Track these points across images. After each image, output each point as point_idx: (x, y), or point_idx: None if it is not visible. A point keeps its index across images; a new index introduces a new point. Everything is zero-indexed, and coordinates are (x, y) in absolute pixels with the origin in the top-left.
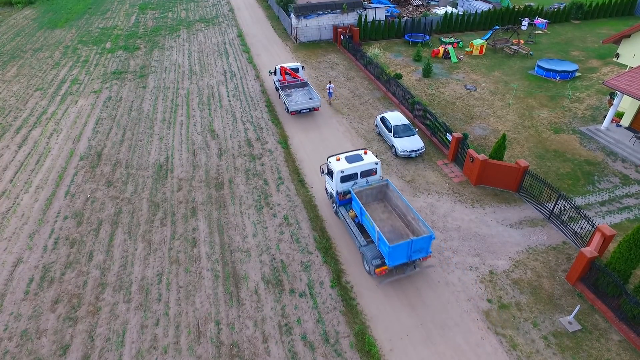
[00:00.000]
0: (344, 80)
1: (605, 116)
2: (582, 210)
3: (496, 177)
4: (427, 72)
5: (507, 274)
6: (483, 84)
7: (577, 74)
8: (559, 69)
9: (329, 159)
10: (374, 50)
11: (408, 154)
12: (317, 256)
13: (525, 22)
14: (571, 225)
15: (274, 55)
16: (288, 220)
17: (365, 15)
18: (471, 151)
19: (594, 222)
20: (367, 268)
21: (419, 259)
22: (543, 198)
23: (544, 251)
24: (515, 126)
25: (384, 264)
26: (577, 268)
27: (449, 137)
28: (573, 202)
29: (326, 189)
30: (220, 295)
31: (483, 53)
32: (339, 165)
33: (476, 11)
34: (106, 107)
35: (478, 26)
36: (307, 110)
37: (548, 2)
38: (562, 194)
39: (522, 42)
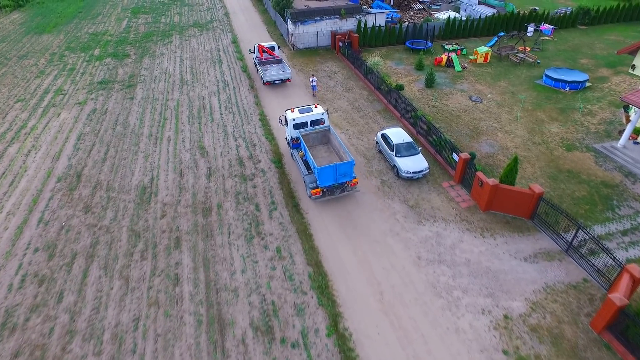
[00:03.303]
0: (342, 91)
1: (620, 132)
2: (605, 247)
3: (507, 203)
4: (429, 82)
5: (523, 318)
6: (489, 95)
7: (588, 84)
8: (569, 79)
9: (286, 112)
10: (374, 59)
11: (411, 175)
12: (312, 297)
13: (530, 28)
14: (592, 260)
15: None
16: (281, 253)
17: (365, 20)
18: (480, 174)
19: (619, 259)
20: (308, 192)
21: (347, 183)
22: (559, 227)
23: (563, 290)
24: (524, 142)
25: (318, 186)
26: (604, 316)
27: (455, 157)
28: (597, 239)
29: (286, 137)
30: (202, 345)
31: (488, 61)
32: (292, 115)
33: (479, 16)
34: (90, 120)
35: (482, 32)
36: (280, 81)
37: (552, 6)
38: (581, 226)
39: (528, 49)
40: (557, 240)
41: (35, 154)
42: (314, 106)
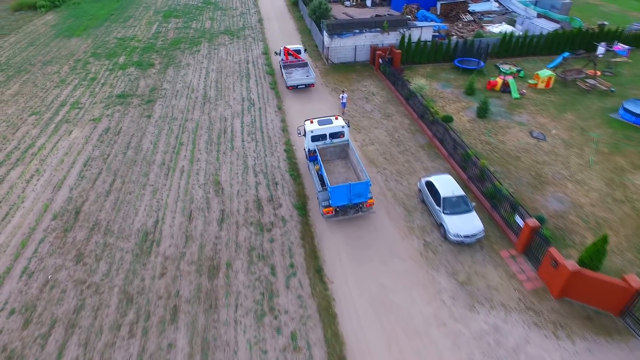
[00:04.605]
0: (380, 118)
1: None
2: None
3: (590, 293)
4: (482, 112)
5: None
6: (554, 131)
7: None
8: None
9: (305, 122)
10: (419, 82)
11: (462, 239)
12: None
13: (602, 48)
14: None
15: None
16: (296, 341)
17: (410, 35)
18: (554, 251)
19: None
20: (320, 211)
21: (361, 204)
22: None
23: None
24: (602, 198)
25: (330, 205)
26: None
27: (519, 221)
28: None
29: (304, 149)
30: None
31: (550, 87)
32: (311, 127)
33: (541, 33)
34: (101, 142)
35: (542, 50)
36: (304, 86)
37: (623, 20)
38: None
39: (599, 73)
40: None
41: (37, 180)
42: (334, 118)
